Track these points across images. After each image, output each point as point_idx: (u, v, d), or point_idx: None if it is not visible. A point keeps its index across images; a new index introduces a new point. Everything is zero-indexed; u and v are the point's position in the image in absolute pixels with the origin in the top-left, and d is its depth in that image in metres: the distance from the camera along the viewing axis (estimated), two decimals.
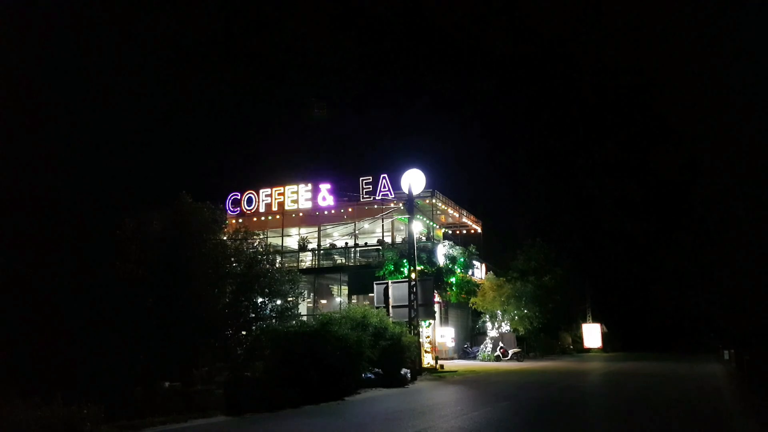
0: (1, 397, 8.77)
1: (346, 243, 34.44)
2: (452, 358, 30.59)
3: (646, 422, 10.83)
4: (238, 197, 33.66)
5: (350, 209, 32.06)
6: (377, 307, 21.43)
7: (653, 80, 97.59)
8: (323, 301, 34.62)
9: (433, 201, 32.22)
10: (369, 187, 30.75)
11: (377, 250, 32.09)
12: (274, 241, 32.15)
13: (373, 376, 16.72)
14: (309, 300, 31.62)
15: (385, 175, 30.40)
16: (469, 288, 32.13)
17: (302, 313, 23.67)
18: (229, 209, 32.57)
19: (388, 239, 32.61)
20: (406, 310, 21.57)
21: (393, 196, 29.93)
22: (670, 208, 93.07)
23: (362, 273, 30.35)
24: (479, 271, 36.12)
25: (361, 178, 31.16)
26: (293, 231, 35.59)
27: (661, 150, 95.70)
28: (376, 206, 31.28)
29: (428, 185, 29.90)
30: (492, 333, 32.89)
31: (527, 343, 36.22)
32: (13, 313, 12.63)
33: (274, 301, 17.59)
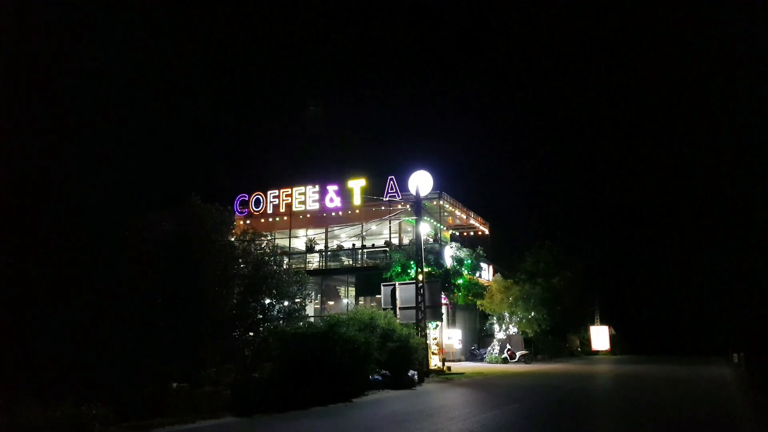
0: (12, 396, 8.82)
1: (354, 244, 34.46)
2: (459, 360, 30.52)
3: (656, 427, 10.77)
4: (246, 198, 33.75)
5: (357, 210, 32.06)
6: (385, 309, 21.41)
7: (667, 80, 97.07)
8: (331, 303, 34.64)
9: (441, 203, 32.18)
10: (377, 189, 30.74)
11: (384, 251, 32.09)
12: (282, 242, 32.20)
13: (380, 378, 16.70)
14: (316, 301, 31.64)
15: (393, 177, 30.38)
16: (477, 290, 32.05)
17: (310, 315, 23.68)
18: (237, 210, 32.68)
19: (395, 241, 32.60)
20: (414, 311, 21.54)
21: (400, 197, 29.91)
22: (678, 210, 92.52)
23: (370, 274, 30.35)
24: (487, 273, 36.03)
25: (368, 179, 31.17)
26: (301, 232, 35.65)
27: (670, 152, 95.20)
28: (383, 208, 31.28)
29: (436, 187, 29.86)
30: (499, 335, 32.79)
31: (535, 346, 36.08)
32: (22, 312, 12.71)
33: (282, 303, 17.60)
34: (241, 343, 16.49)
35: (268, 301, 17.15)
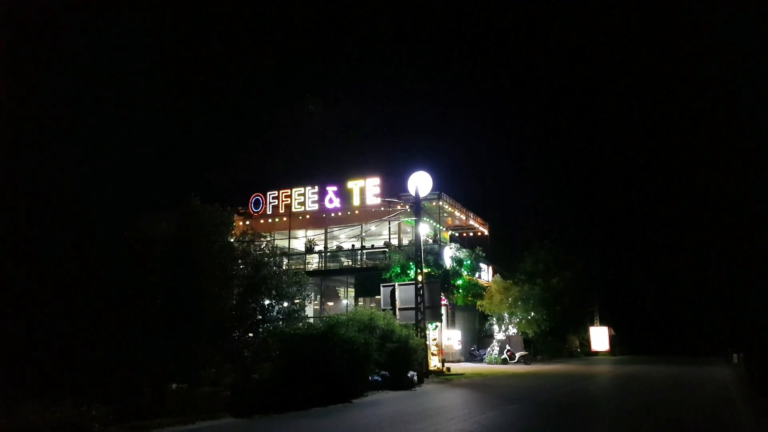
0: (12, 397, 8.83)
1: (353, 245, 34.46)
2: (459, 361, 30.52)
3: (656, 428, 10.78)
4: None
5: (357, 211, 32.08)
6: (384, 310, 21.43)
7: (666, 80, 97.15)
8: (330, 303, 34.62)
9: (440, 203, 32.17)
10: (376, 189, 30.75)
11: (384, 252, 32.07)
12: (281, 243, 32.18)
13: (380, 379, 16.72)
14: (316, 302, 31.62)
15: (393, 177, 30.40)
16: (476, 290, 32.04)
17: (309, 315, 23.68)
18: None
19: (394, 241, 32.59)
20: (413, 312, 21.55)
21: (400, 198, 29.92)
22: (678, 210, 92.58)
23: (369, 275, 30.34)
24: (486, 274, 36.04)
25: (367, 180, 31.17)
26: (300, 233, 35.64)
27: (670, 151, 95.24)
28: (382, 208, 31.28)
29: (435, 187, 29.85)
30: (499, 336, 32.78)
31: (534, 346, 36.06)
32: (22, 314, 12.70)
33: (281, 303, 17.60)
34: (240, 344, 16.49)
35: (267, 301, 17.16)
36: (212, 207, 16.80)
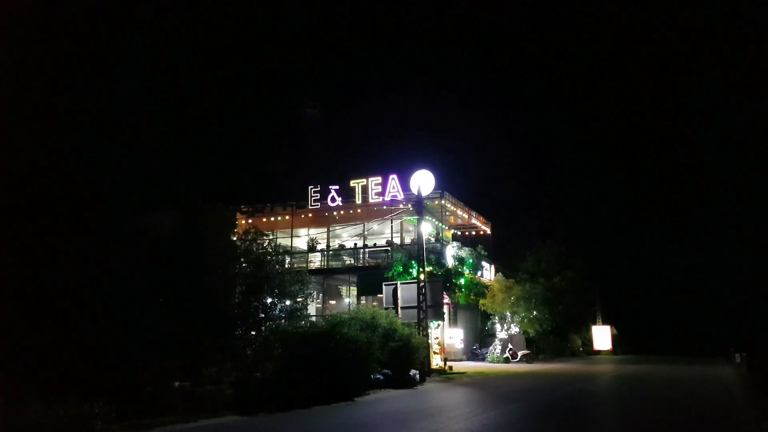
0: (16, 395, 8.85)
1: (355, 244, 34.47)
2: (461, 360, 30.53)
3: (658, 428, 10.77)
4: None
5: (359, 210, 32.08)
6: (386, 308, 21.43)
7: (670, 80, 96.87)
8: (332, 302, 34.65)
9: (442, 202, 32.18)
10: (378, 188, 30.75)
11: (386, 251, 32.08)
12: (284, 241, 32.20)
13: (382, 377, 16.73)
14: (318, 300, 31.66)
15: (395, 176, 30.40)
16: (478, 289, 32.03)
17: (311, 314, 23.69)
18: (239, 209, 32.75)
19: (397, 240, 32.60)
20: (415, 311, 21.55)
21: (402, 197, 29.92)
22: (680, 209, 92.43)
23: (371, 274, 30.37)
24: (488, 273, 36.03)
25: (370, 179, 31.18)
26: (302, 232, 35.67)
27: (672, 150, 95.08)
28: (384, 207, 31.29)
29: (437, 186, 29.94)
30: (501, 335, 32.78)
31: (537, 345, 36.07)
32: (24, 312, 12.72)
33: (284, 302, 17.59)
34: (242, 342, 16.49)
35: (269, 300, 17.15)
36: (215, 205, 16.81)
